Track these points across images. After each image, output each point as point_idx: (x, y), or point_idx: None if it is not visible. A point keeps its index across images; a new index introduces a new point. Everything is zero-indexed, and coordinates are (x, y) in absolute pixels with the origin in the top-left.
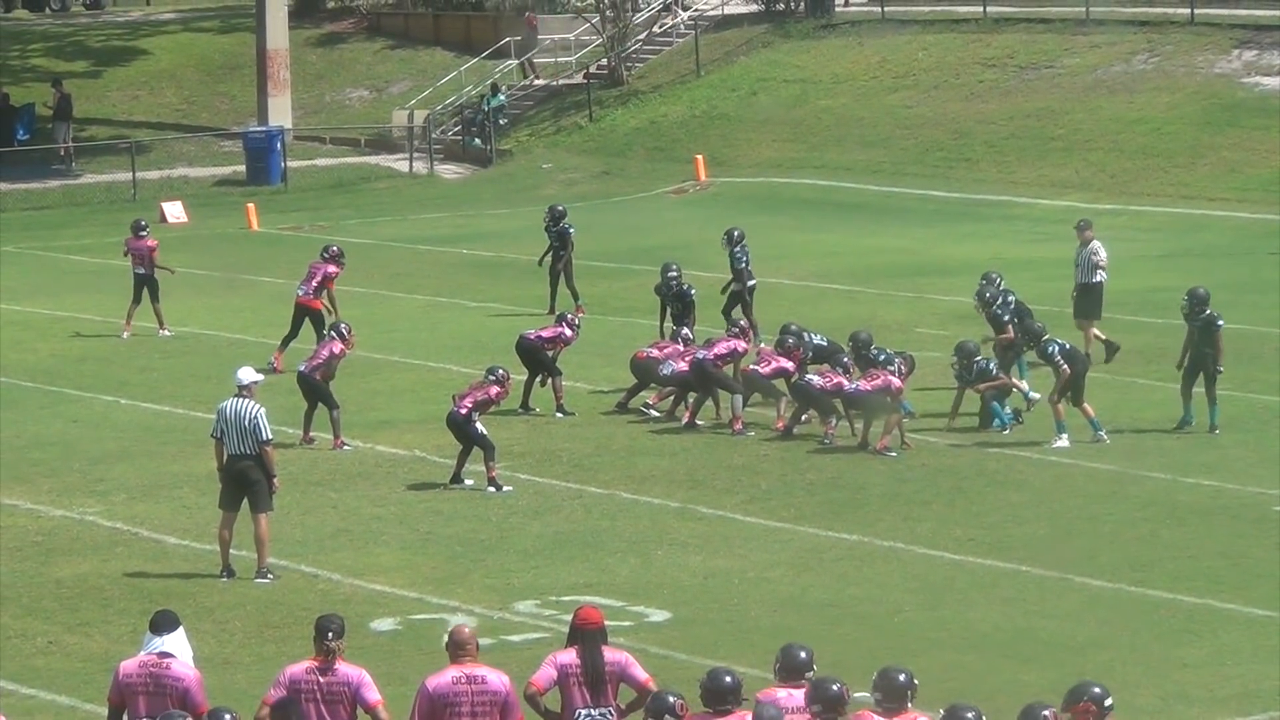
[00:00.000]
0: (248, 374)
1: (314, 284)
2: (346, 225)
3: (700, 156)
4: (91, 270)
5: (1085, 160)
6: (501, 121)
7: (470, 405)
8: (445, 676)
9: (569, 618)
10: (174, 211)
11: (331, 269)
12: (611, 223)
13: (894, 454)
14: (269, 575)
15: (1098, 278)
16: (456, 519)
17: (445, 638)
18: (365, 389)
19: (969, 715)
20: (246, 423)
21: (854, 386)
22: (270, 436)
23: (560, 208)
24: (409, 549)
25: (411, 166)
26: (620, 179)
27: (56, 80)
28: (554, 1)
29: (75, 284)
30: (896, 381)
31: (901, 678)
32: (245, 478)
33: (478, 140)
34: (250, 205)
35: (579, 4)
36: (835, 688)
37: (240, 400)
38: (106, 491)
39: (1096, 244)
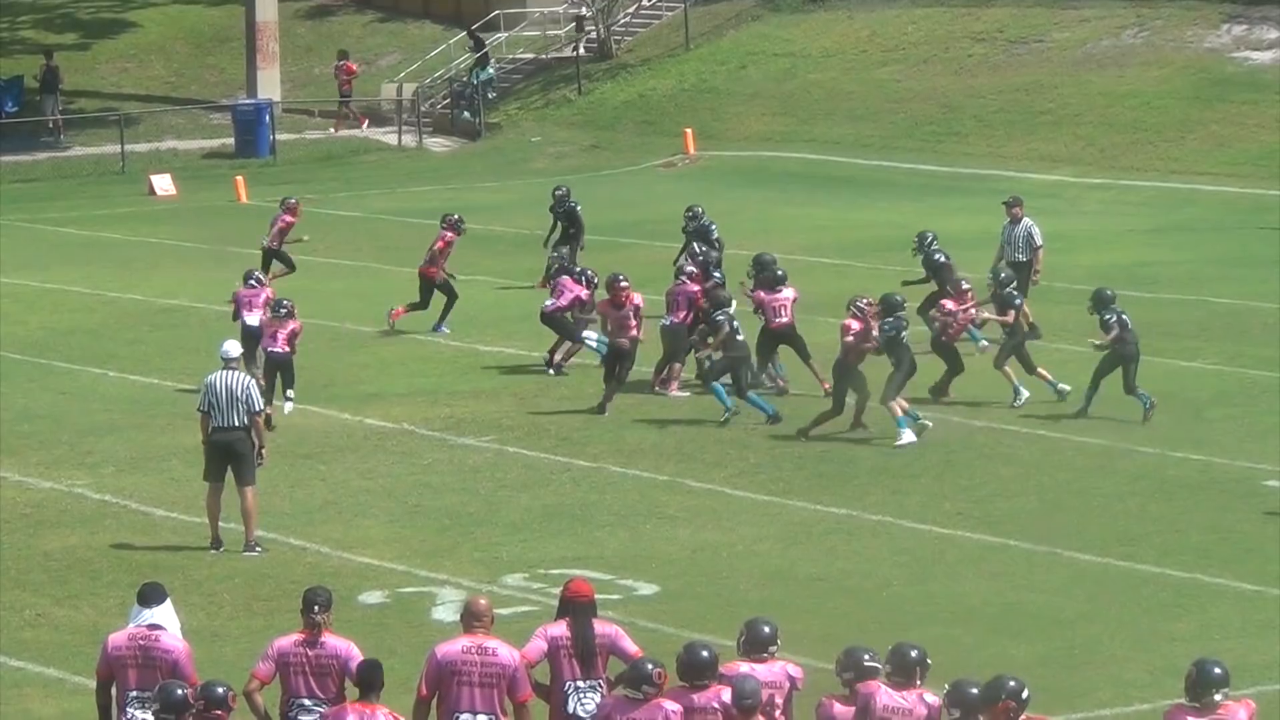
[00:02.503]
0: (234, 347)
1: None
2: (336, 198)
3: (689, 130)
4: (80, 243)
5: (1074, 134)
6: (490, 95)
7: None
8: (456, 645)
9: (558, 591)
10: (162, 184)
11: (449, 235)
12: (601, 196)
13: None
14: (257, 548)
15: (1025, 257)
16: (445, 492)
17: (461, 608)
18: (354, 362)
19: (973, 691)
20: (239, 393)
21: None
22: (261, 407)
23: (562, 189)
24: (397, 522)
25: (400, 139)
26: (609, 152)
27: (48, 51)
28: None
29: (64, 256)
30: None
31: (914, 653)
32: (233, 450)
33: (467, 114)
34: (239, 178)
35: None
36: (915, 653)
37: (229, 372)
38: (95, 464)
39: (1029, 222)
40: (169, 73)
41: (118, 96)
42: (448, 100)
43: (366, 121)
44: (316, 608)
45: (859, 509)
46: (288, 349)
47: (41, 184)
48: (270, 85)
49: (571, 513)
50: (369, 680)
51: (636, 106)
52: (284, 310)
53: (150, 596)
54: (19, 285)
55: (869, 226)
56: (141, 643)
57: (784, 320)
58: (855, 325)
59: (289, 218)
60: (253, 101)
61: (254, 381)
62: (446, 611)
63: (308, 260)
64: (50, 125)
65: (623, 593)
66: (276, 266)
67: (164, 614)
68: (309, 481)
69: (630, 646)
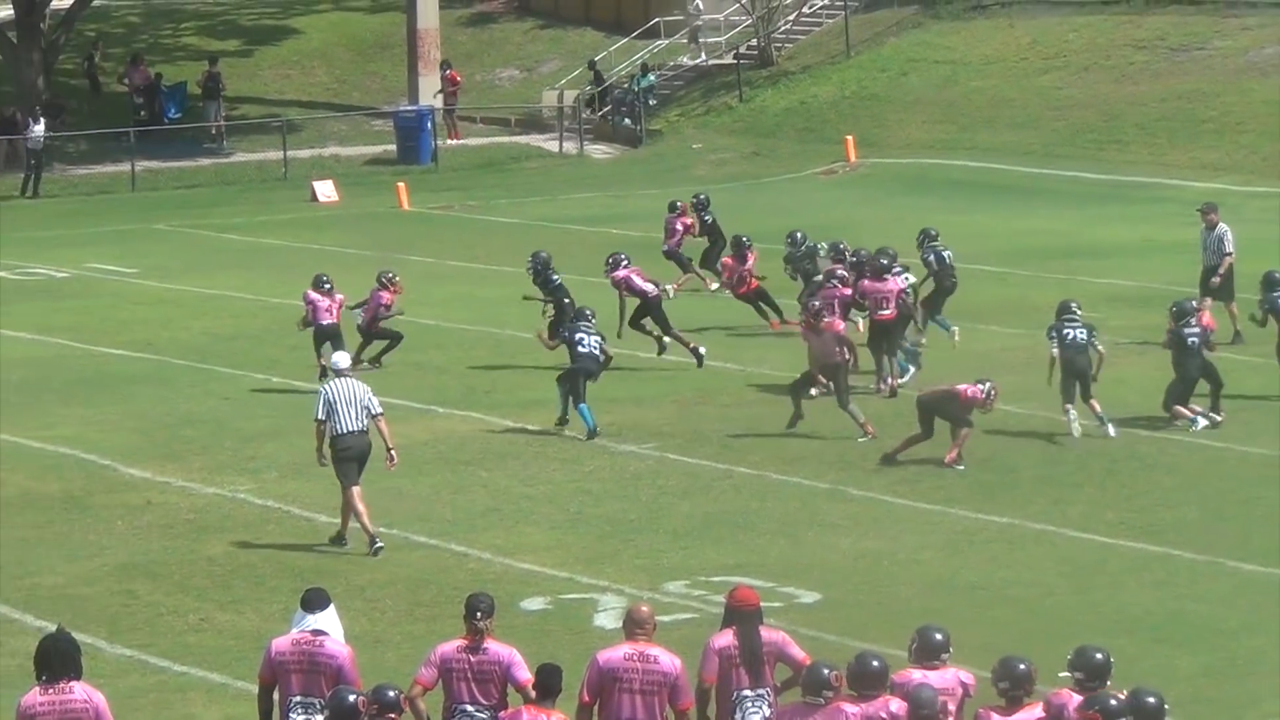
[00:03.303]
0: (344, 359)
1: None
2: (497, 205)
3: (850, 137)
4: (242, 248)
5: (1236, 143)
6: (651, 102)
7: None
8: (618, 651)
9: (719, 598)
10: (325, 190)
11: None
12: (761, 204)
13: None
14: (345, 541)
15: (1224, 262)
16: (606, 499)
17: (624, 615)
18: (517, 370)
19: (1021, 667)
20: (360, 396)
21: None
22: (381, 410)
23: (702, 195)
24: (559, 528)
25: (561, 146)
26: (770, 160)
27: (211, 58)
28: None
29: (226, 262)
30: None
31: (938, 637)
32: (364, 454)
33: (627, 120)
34: (401, 184)
35: None
36: (1023, 667)
37: (344, 380)
38: (258, 469)
39: (1224, 228)
40: (331, 79)
41: (280, 103)
42: (609, 107)
43: (459, 136)
44: (479, 614)
45: (1021, 518)
46: (336, 320)
47: (204, 190)
48: (431, 92)
49: (733, 520)
50: (548, 685)
51: (797, 114)
52: (327, 285)
53: (314, 602)
54: (182, 291)
55: (1030, 234)
56: (305, 648)
57: (886, 314)
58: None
59: (387, 295)
60: (414, 108)
61: (369, 388)
62: (608, 618)
63: (468, 268)
64: (213, 131)
65: (784, 600)
66: (377, 345)
67: (328, 619)
68: (471, 488)
69: (798, 653)
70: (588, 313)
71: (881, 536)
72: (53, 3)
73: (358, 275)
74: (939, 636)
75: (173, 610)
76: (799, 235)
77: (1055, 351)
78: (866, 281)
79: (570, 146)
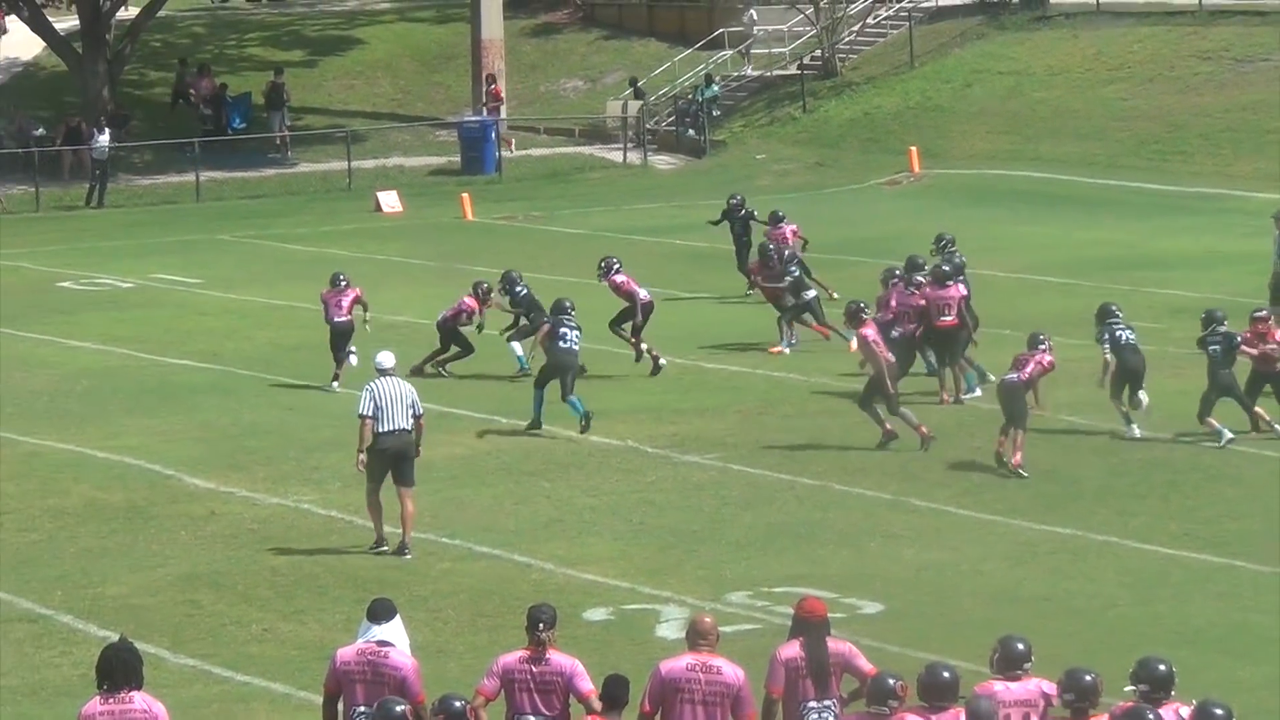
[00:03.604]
0: (388, 358)
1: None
2: (561, 215)
3: (914, 148)
4: (306, 259)
5: None
6: (715, 113)
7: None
8: (680, 662)
9: (781, 609)
10: (389, 201)
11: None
12: (825, 214)
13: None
14: (408, 552)
15: None
16: (669, 510)
17: (687, 626)
18: (581, 380)
19: (1087, 679)
20: (408, 394)
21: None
22: (423, 410)
23: (737, 197)
24: (622, 539)
25: (625, 157)
26: (834, 170)
27: (276, 69)
28: None
29: (290, 272)
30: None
31: (1020, 646)
32: (403, 454)
33: (691, 131)
34: (465, 195)
35: None
36: (1089, 678)
37: (390, 379)
38: (321, 480)
39: None
40: (395, 90)
41: (344, 113)
42: (673, 118)
43: (513, 143)
44: (541, 625)
45: (1085, 529)
46: (349, 315)
47: (269, 200)
48: (496, 102)
49: (795, 531)
50: (615, 695)
51: (861, 124)
52: (343, 282)
53: (380, 612)
54: (246, 301)
55: (1095, 245)
56: (370, 659)
57: (948, 320)
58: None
59: (472, 303)
60: (478, 119)
61: (413, 388)
62: (670, 629)
63: (532, 279)
64: (277, 142)
65: (847, 611)
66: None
67: (393, 630)
68: (534, 498)
69: (865, 664)
70: (567, 305)
71: (945, 547)
72: (118, 13)
73: (422, 286)
74: (1021, 646)
75: (236, 620)
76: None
77: (1109, 356)
78: (928, 289)
79: (634, 157)
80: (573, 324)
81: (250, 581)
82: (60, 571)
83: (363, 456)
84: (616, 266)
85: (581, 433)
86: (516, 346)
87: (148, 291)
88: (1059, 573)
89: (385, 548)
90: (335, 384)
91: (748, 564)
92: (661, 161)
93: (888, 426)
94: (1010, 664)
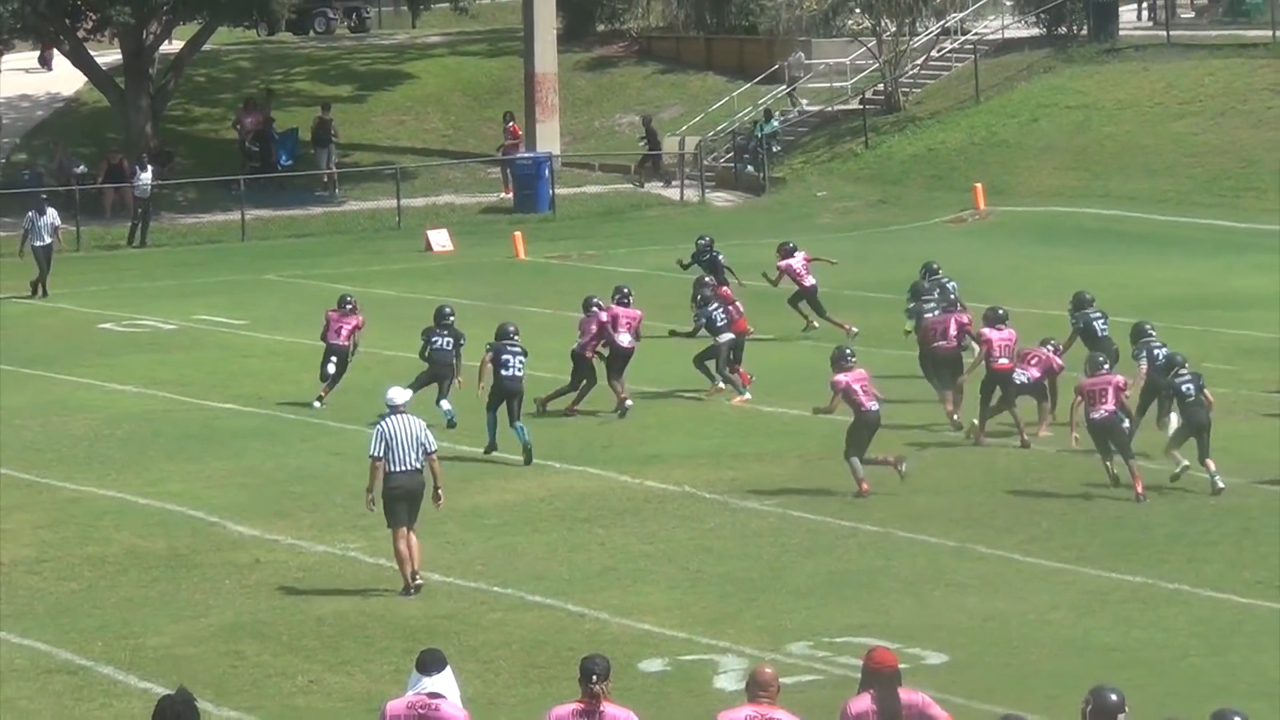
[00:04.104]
0: (400, 394)
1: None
2: (616, 254)
3: (979, 185)
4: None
5: None
6: (775, 149)
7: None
8: (739, 714)
9: (844, 660)
10: (439, 240)
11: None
12: (888, 252)
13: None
14: (417, 585)
15: None
16: (727, 557)
17: (746, 677)
18: (636, 423)
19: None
20: (419, 433)
21: None
22: (436, 447)
23: (705, 238)
24: (678, 588)
25: (683, 194)
26: (897, 208)
27: (323, 104)
28: (829, 25)
29: None
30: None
31: (1114, 697)
32: (416, 495)
33: (750, 167)
34: (517, 233)
35: (854, 28)
36: (1114, 697)
37: (402, 417)
38: (369, 526)
39: None
40: (446, 125)
41: (393, 150)
42: (731, 154)
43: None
44: (595, 676)
45: (1155, 577)
46: (347, 342)
47: (316, 239)
48: (549, 138)
49: (857, 579)
50: None
51: (925, 160)
52: (349, 306)
53: (430, 664)
54: (293, 343)
55: (1165, 284)
56: (421, 711)
57: (1006, 363)
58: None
59: (606, 315)
60: (531, 155)
61: (426, 424)
62: (729, 680)
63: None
64: (325, 179)
65: (911, 662)
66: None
67: (444, 682)
68: (588, 546)
69: (940, 714)
70: (510, 330)
71: (1011, 596)
72: (161, 47)
73: (473, 327)
74: (1114, 697)
75: (281, 672)
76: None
77: (1144, 367)
78: (986, 329)
79: (691, 194)
80: (516, 349)
81: (296, 632)
82: (100, 621)
83: (372, 497)
84: (595, 305)
85: (525, 464)
86: (443, 405)
87: (191, 333)
88: (1129, 622)
89: (414, 590)
90: (318, 403)
91: (808, 613)
92: (719, 199)
93: (887, 466)
94: (1104, 715)
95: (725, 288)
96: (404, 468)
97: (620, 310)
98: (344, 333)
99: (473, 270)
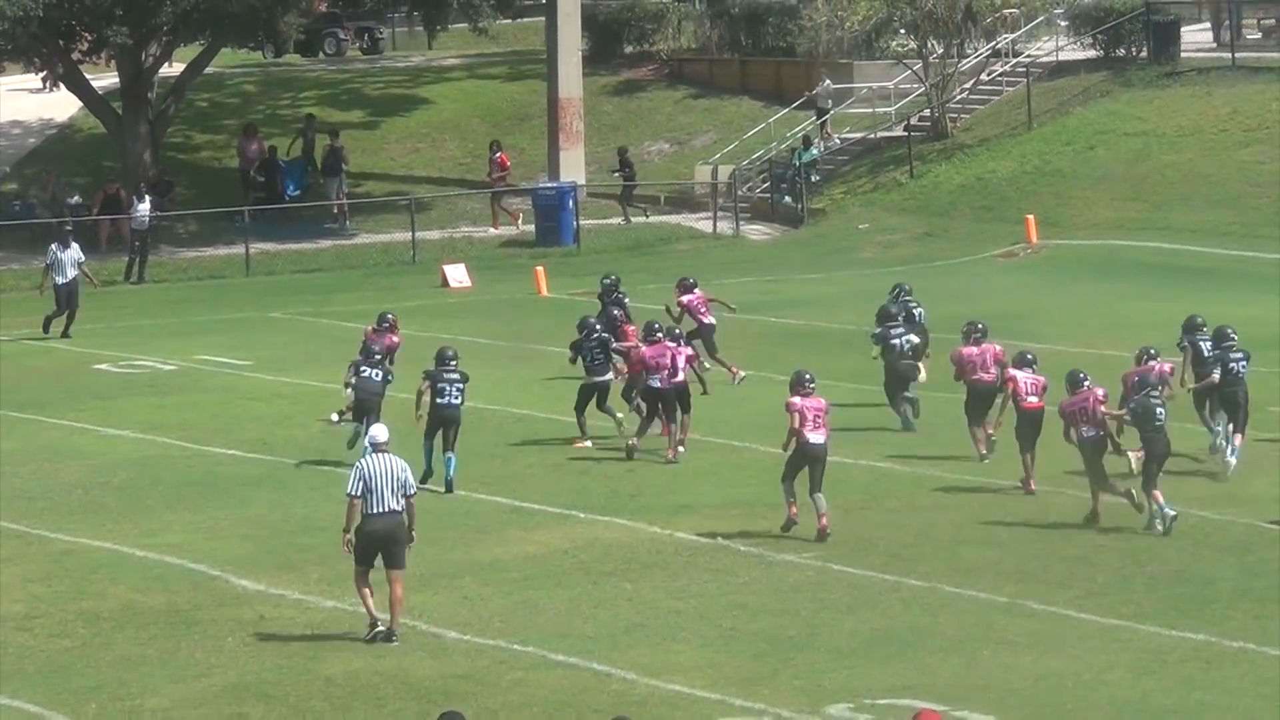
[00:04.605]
0: (382, 432)
1: None
2: (644, 290)
3: (1031, 216)
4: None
5: None
6: (814, 178)
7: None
8: None
9: None
10: (456, 275)
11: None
12: (934, 289)
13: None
14: (395, 638)
15: None
16: (762, 613)
17: None
18: (664, 470)
19: None
20: (400, 474)
21: None
22: (416, 489)
23: (611, 278)
24: (710, 646)
25: (715, 226)
26: (944, 241)
27: (333, 130)
28: (872, 47)
29: (348, 353)
30: None
31: None
32: (393, 536)
33: (788, 198)
34: (539, 268)
35: (899, 49)
36: None
37: (384, 456)
38: (381, 581)
39: None
40: (464, 153)
41: (408, 179)
42: (767, 184)
43: (520, 218)
44: None
45: (1218, 635)
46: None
47: (325, 274)
48: (574, 167)
49: (901, 637)
50: None
51: (974, 190)
52: (386, 324)
53: None
54: (301, 385)
55: (1229, 323)
56: None
57: (1035, 402)
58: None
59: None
60: (555, 185)
61: (408, 465)
62: None
63: None
64: (335, 210)
65: None
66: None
67: None
68: (614, 601)
69: None
70: (449, 355)
71: (1064, 655)
72: (161, 70)
73: (493, 369)
74: None
75: None
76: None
77: (1216, 377)
78: (1012, 369)
79: (725, 226)
80: (454, 376)
81: (303, 693)
82: (95, 681)
83: (349, 538)
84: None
85: (446, 491)
86: (333, 418)
87: (192, 374)
88: (1190, 683)
89: (380, 629)
90: (335, 416)
91: (849, 673)
92: (755, 231)
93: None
94: None
95: (631, 326)
96: (382, 509)
97: (647, 350)
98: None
99: (492, 307)
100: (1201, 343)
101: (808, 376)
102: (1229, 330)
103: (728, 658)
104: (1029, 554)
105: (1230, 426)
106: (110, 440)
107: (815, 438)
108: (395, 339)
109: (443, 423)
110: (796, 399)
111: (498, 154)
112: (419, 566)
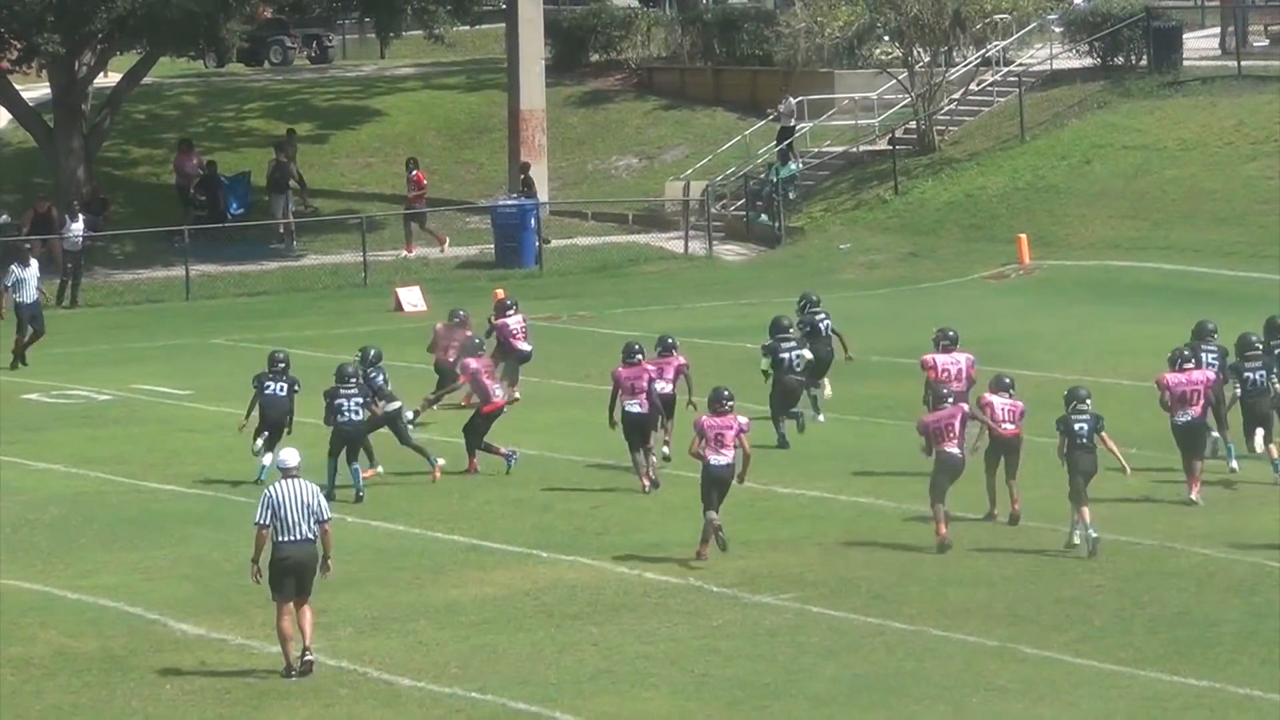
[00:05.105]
0: (292, 456)
1: None
2: (611, 315)
3: (1024, 236)
4: (315, 366)
5: None
6: (792, 195)
7: None
8: None
9: None
10: (410, 299)
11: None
12: (920, 313)
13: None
14: (310, 655)
15: None
16: (736, 659)
17: None
18: (632, 507)
19: None
20: (311, 500)
21: None
22: (330, 516)
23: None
24: (681, 694)
25: (687, 246)
26: (930, 261)
27: (279, 144)
28: (854, 55)
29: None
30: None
31: None
32: (306, 566)
33: (764, 216)
34: (499, 291)
35: (883, 58)
36: None
37: (294, 481)
38: (330, 624)
39: None
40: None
41: (359, 196)
42: (742, 201)
43: (446, 241)
44: None
45: (1222, 680)
46: (452, 360)
47: (270, 297)
48: (537, 183)
49: (885, 684)
50: None
51: (962, 208)
52: (458, 320)
53: None
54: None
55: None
56: None
57: (1012, 429)
58: None
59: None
60: (516, 202)
61: (320, 489)
62: None
63: (578, 389)
64: (281, 230)
65: None
66: None
67: None
68: (578, 645)
69: None
70: (348, 372)
71: (1059, 703)
72: (96, 80)
73: (449, 396)
74: None
75: None
76: None
77: (1238, 390)
78: (988, 394)
79: (697, 246)
80: (352, 391)
81: None
82: None
83: (257, 569)
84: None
85: (356, 501)
86: (266, 462)
87: (128, 405)
88: None
89: (295, 667)
90: (411, 415)
91: None
92: (729, 252)
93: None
94: None
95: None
96: (294, 537)
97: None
98: (452, 350)
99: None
100: (820, 321)
101: (725, 394)
102: (1252, 338)
103: (700, 706)
104: (1021, 595)
105: (1262, 437)
106: (41, 475)
107: (717, 459)
108: (468, 333)
109: (344, 439)
110: (704, 418)
111: (414, 172)
112: (370, 609)
